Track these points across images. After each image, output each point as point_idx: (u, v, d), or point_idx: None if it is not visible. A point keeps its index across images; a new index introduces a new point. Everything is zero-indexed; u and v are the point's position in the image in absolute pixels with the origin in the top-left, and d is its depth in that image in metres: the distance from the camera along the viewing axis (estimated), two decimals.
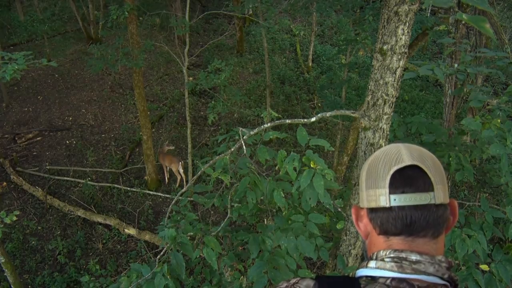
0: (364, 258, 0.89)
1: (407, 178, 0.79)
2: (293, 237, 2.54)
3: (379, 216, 0.81)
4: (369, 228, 0.86)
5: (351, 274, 2.79)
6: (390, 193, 0.79)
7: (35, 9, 13.90)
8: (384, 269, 0.78)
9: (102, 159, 8.86)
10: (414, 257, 0.76)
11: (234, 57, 12.88)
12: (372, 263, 0.81)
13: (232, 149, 2.71)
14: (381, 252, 0.81)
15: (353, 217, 0.89)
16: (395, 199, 0.79)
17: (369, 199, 0.83)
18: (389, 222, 0.80)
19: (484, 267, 2.61)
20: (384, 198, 0.80)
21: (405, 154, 0.81)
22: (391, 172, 0.80)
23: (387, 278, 0.77)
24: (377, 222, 0.82)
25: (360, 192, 0.88)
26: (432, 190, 0.78)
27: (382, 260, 0.79)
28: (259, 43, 13.54)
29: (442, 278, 0.76)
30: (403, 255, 0.77)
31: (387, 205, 0.79)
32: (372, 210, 0.83)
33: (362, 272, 0.83)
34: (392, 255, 0.78)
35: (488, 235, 2.67)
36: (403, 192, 0.78)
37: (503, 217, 2.79)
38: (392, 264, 0.77)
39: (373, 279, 0.79)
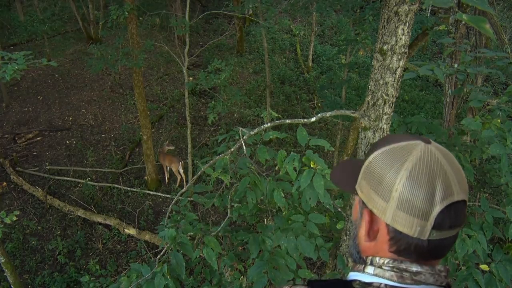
0: (354, 257, 0.85)
1: (454, 216, 0.71)
2: (293, 237, 2.54)
3: (405, 242, 0.73)
4: (381, 239, 0.77)
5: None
6: (433, 228, 0.71)
7: (35, 9, 13.90)
8: (383, 277, 0.75)
9: (102, 159, 8.86)
10: (415, 268, 0.74)
11: (234, 57, 12.88)
12: (369, 269, 0.78)
13: (232, 149, 2.71)
14: (378, 259, 0.77)
15: (366, 226, 0.79)
16: (434, 234, 0.71)
17: (398, 221, 0.73)
18: (416, 251, 0.73)
19: (484, 267, 2.61)
20: (422, 230, 0.71)
21: (453, 181, 0.71)
22: (441, 207, 0.70)
23: (382, 283, 0.75)
24: (399, 244, 0.74)
25: (379, 201, 0.75)
26: (465, 219, 0.74)
27: (380, 267, 0.76)
28: (259, 43, 13.54)
29: (440, 286, 0.75)
30: (403, 266, 0.74)
31: (424, 238, 0.72)
32: (397, 231, 0.74)
33: (357, 276, 0.79)
34: (391, 265, 0.75)
35: (488, 235, 2.67)
36: (447, 229, 0.72)
37: (503, 217, 2.79)
38: (392, 273, 0.74)
39: (367, 284, 0.76)
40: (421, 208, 0.70)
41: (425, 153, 0.73)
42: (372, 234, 0.78)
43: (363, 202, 0.80)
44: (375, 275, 0.76)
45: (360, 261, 0.82)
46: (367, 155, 0.82)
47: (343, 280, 0.81)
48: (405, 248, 0.74)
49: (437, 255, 0.75)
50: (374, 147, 0.81)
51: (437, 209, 0.70)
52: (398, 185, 0.72)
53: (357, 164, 0.89)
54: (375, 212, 0.76)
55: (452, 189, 0.71)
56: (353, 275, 0.81)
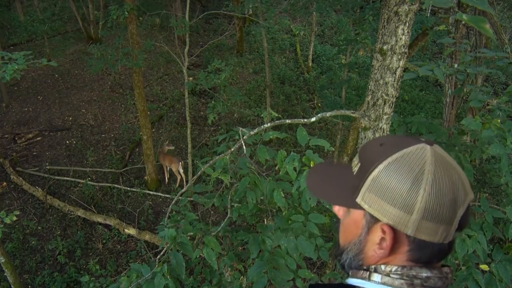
0: (354, 267, 0.80)
1: (468, 213, 0.73)
2: (293, 237, 2.54)
3: (430, 250, 0.72)
4: (397, 251, 0.74)
5: None
6: (456, 230, 0.71)
7: (35, 9, 13.90)
8: (392, 285, 0.73)
9: (102, 159, 8.86)
10: (425, 274, 0.72)
11: (234, 57, 12.89)
12: (376, 277, 0.75)
13: (232, 149, 2.71)
14: (384, 266, 0.75)
15: (389, 241, 0.73)
16: (455, 235, 0.72)
17: (423, 231, 0.70)
18: (438, 255, 0.73)
19: (484, 267, 2.61)
20: (447, 235, 0.71)
21: (465, 180, 0.73)
22: (463, 210, 0.71)
23: None
24: (422, 253, 0.72)
25: (399, 213, 0.71)
26: None
27: (388, 275, 0.74)
28: (259, 43, 13.54)
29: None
30: (413, 272, 0.72)
31: (446, 242, 0.72)
32: (421, 241, 0.72)
33: (361, 283, 0.76)
34: (400, 272, 0.73)
35: (488, 235, 2.67)
36: (464, 227, 0.73)
37: (503, 217, 2.79)
38: (402, 281, 0.72)
39: None
40: (448, 214, 0.69)
41: (437, 157, 0.72)
42: (386, 247, 0.74)
43: (371, 216, 0.76)
44: (383, 283, 0.74)
45: (361, 268, 0.79)
46: (367, 165, 0.77)
47: (346, 285, 0.78)
48: (429, 255, 0.73)
49: (451, 251, 0.75)
50: (374, 156, 0.76)
51: (460, 211, 0.70)
52: (423, 195, 0.69)
53: (342, 172, 0.84)
54: (393, 225, 0.72)
55: (467, 188, 0.72)
56: (356, 282, 0.77)
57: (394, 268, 0.73)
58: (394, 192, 0.71)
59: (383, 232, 0.73)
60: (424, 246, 0.72)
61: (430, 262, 0.73)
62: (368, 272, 0.77)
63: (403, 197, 0.70)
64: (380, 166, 0.74)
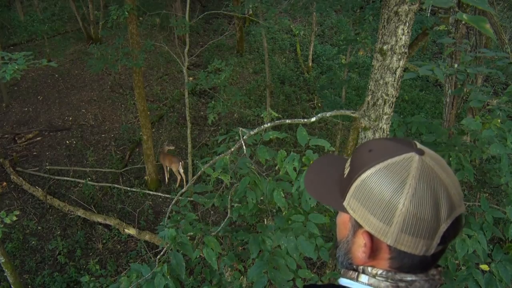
0: (345, 265, 0.82)
1: (457, 227, 0.71)
2: (293, 237, 2.54)
3: (410, 261, 0.72)
4: (380, 257, 0.75)
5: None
6: (438, 244, 0.70)
7: (35, 9, 13.91)
8: (378, 287, 0.74)
9: (102, 159, 8.86)
10: (409, 277, 0.73)
11: (234, 57, 12.88)
12: (363, 278, 0.76)
13: (232, 149, 2.71)
14: (371, 269, 0.76)
15: (367, 250, 0.75)
16: (439, 248, 0.71)
17: (402, 243, 0.70)
18: (420, 266, 0.73)
19: (484, 267, 2.61)
20: (428, 248, 0.70)
21: (454, 194, 0.70)
22: (446, 225, 0.69)
23: None
24: (403, 263, 0.72)
25: (378, 224, 0.71)
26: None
27: (374, 277, 0.75)
28: (259, 43, 13.54)
29: None
30: (398, 276, 0.73)
31: (428, 254, 0.71)
32: (401, 252, 0.71)
33: (350, 284, 0.78)
34: (385, 275, 0.74)
35: (488, 235, 2.67)
36: (450, 240, 0.71)
37: (503, 217, 2.79)
38: (387, 284, 0.73)
39: None
40: (427, 229, 0.68)
41: (423, 169, 0.70)
42: (371, 255, 0.75)
43: (356, 221, 0.76)
44: (370, 285, 0.75)
45: (350, 267, 0.81)
46: (354, 171, 0.76)
47: (336, 285, 0.80)
48: (409, 265, 0.72)
49: (436, 262, 0.74)
50: (361, 163, 0.76)
51: (443, 227, 0.69)
52: (402, 209, 0.68)
53: (337, 171, 0.85)
54: (374, 234, 0.72)
55: (455, 203, 0.70)
56: (345, 282, 0.79)
57: (380, 271, 0.74)
58: (374, 203, 0.71)
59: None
60: (405, 256, 0.71)
61: (413, 272, 0.73)
62: (356, 273, 0.78)
63: (382, 208, 0.70)
64: (363, 175, 0.73)
